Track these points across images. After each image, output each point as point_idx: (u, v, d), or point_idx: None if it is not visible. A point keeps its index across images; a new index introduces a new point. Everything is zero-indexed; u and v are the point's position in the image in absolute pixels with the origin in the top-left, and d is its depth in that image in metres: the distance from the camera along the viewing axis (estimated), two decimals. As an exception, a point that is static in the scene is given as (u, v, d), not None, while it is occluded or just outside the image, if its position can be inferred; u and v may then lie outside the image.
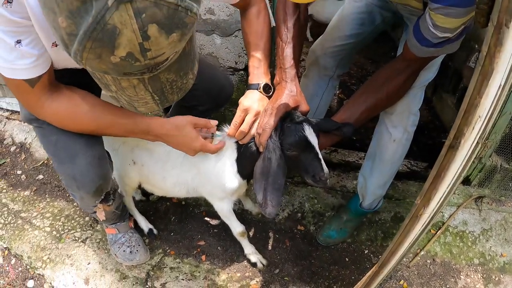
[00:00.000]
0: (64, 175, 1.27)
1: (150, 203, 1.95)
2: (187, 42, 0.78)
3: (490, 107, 0.64)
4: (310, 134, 1.07)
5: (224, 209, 1.43)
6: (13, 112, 3.19)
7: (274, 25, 1.52)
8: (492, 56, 0.58)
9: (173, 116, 1.28)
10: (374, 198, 1.61)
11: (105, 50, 0.65)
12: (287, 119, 1.11)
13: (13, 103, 3.38)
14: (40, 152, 2.57)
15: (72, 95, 1.07)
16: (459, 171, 0.75)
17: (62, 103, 1.06)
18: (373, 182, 1.54)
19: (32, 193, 2.15)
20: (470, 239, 1.85)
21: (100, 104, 1.05)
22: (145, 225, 1.75)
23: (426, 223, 0.86)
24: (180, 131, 1.17)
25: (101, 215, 1.44)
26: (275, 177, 1.10)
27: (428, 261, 1.74)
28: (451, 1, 0.86)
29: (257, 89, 1.20)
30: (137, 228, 1.75)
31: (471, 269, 1.76)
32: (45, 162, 2.46)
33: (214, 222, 1.88)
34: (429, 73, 1.28)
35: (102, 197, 1.34)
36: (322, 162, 1.08)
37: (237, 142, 1.24)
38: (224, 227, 1.76)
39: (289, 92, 1.12)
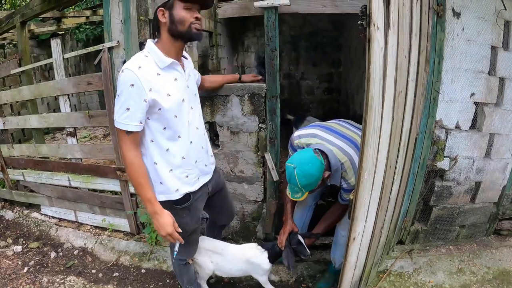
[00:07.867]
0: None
1: (211, 284, 2.78)
2: None
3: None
4: (302, 240, 2.43)
5: (264, 280, 2.64)
6: (60, 219, 3.74)
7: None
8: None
9: (209, 227, 2.62)
10: (340, 262, 2.65)
11: None
12: (291, 235, 2.46)
13: (59, 211, 3.78)
14: (105, 255, 3.16)
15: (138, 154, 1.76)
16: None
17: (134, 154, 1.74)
18: (337, 256, 2.59)
19: (115, 287, 2.76)
20: (406, 276, 2.69)
21: (142, 167, 1.78)
22: (214, 297, 2.83)
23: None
24: (160, 215, 1.80)
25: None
26: (290, 257, 2.43)
27: (380, 292, 2.72)
28: (346, 191, 2.19)
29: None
30: (209, 300, 2.73)
31: (409, 293, 2.61)
32: (114, 262, 3.03)
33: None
34: None
35: None
36: (307, 250, 2.41)
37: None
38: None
39: (289, 226, 2.46)
